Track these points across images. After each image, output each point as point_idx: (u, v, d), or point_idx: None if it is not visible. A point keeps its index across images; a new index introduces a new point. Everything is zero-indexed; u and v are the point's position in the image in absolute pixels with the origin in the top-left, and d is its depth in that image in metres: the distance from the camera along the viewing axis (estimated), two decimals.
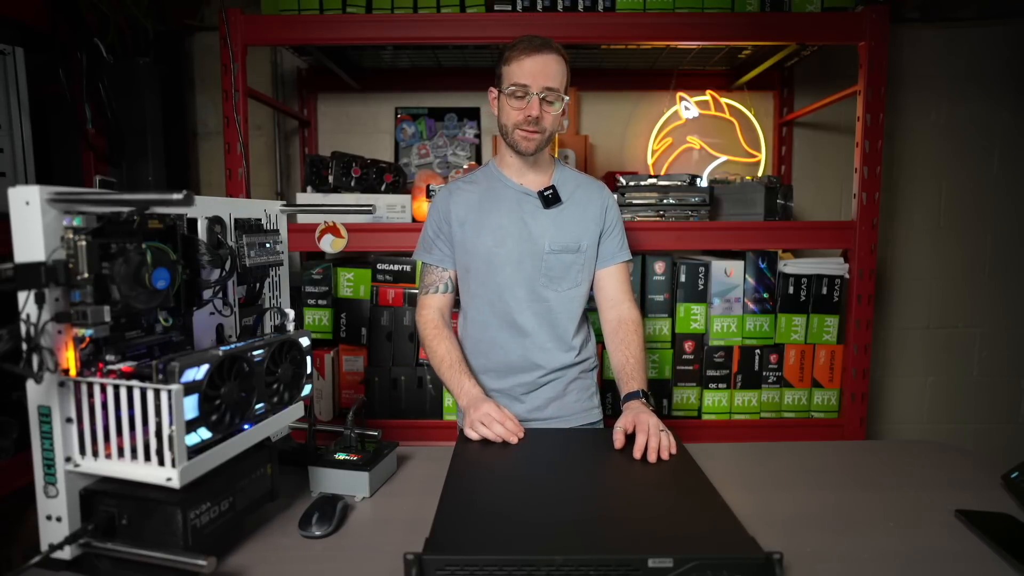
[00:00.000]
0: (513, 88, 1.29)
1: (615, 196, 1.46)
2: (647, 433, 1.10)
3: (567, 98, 1.33)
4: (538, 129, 1.30)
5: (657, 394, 1.95)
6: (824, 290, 1.94)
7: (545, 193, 1.38)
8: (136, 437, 0.74)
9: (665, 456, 1.08)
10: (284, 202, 1.17)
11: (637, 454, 1.08)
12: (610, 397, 1.90)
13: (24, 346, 0.66)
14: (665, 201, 1.92)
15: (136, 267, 0.73)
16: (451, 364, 1.35)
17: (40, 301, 0.68)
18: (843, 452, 1.30)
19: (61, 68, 1.84)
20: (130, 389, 0.73)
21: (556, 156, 1.49)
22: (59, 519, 0.75)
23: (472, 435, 1.19)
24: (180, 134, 2.32)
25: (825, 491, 1.06)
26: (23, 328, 0.67)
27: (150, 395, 0.72)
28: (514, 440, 1.16)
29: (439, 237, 1.43)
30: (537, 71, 1.28)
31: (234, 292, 1.01)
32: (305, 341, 0.98)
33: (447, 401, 1.94)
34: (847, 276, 1.90)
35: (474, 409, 1.22)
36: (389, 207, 1.95)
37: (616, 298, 1.42)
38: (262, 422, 0.89)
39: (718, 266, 1.93)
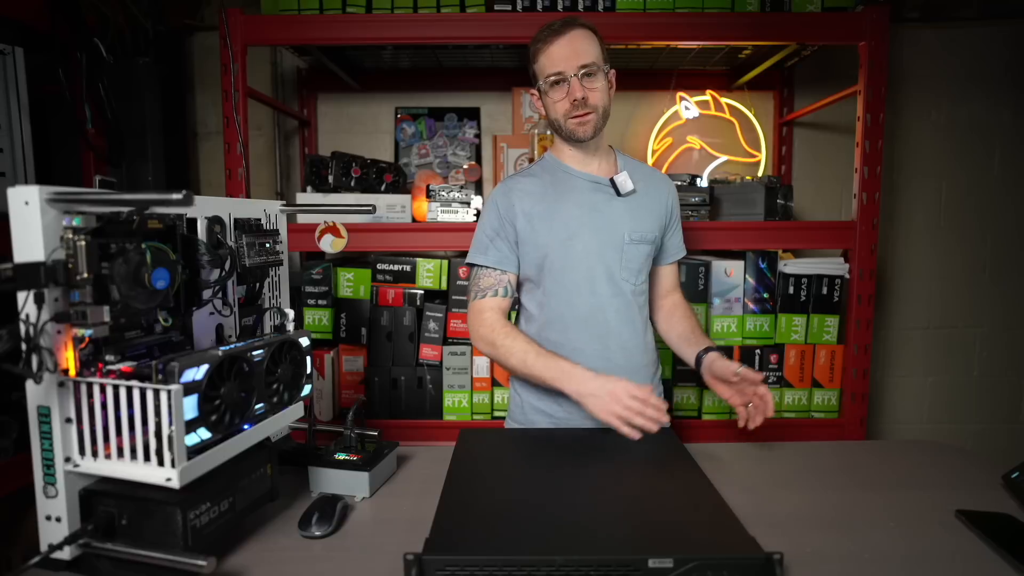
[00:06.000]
0: (550, 79, 1.25)
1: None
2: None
3: (608, 68, 1.27)
4: (589, 109, 1.25)
5: None
6: (824, 290, 1.94)
7: (619, 180, 1.32)
8: (136, 437, 0.74)
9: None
10: (284, 202, 1.17)
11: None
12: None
13: (24, 346, 0.66)
14: None
15: (136, 267, 0.73)
16: (539, 351, 1.22)
17: (40, 301, 0.68)
18: (843, 452, 1.30)
19: (61, 68, 1.84)
20: (130, 389, 0.73)
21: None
22: (59, 519, 0.75)
23: (625, 430, 1.09)
24: (180, 134, 2.32)
25: (825, 491, 1.06)
26: (23, 328, 0.67)
27: (150, 395, 0.72)
28: (655, 428, 1.09)
29: (499, 236, 1.32)
30: (567, 53, 1.23)
31: (234, 292, 1.01)
32: (305, 341, 0.98)
33: (447, 401, 1.94)
34: (847, 276, 1.90)
35: (609, 396, 1.10)
36: (389, 207, 1.95)
37: (669, 289, 1.47)
38: (262, 422, 0.89)
39: (718, 266, 1.93)
